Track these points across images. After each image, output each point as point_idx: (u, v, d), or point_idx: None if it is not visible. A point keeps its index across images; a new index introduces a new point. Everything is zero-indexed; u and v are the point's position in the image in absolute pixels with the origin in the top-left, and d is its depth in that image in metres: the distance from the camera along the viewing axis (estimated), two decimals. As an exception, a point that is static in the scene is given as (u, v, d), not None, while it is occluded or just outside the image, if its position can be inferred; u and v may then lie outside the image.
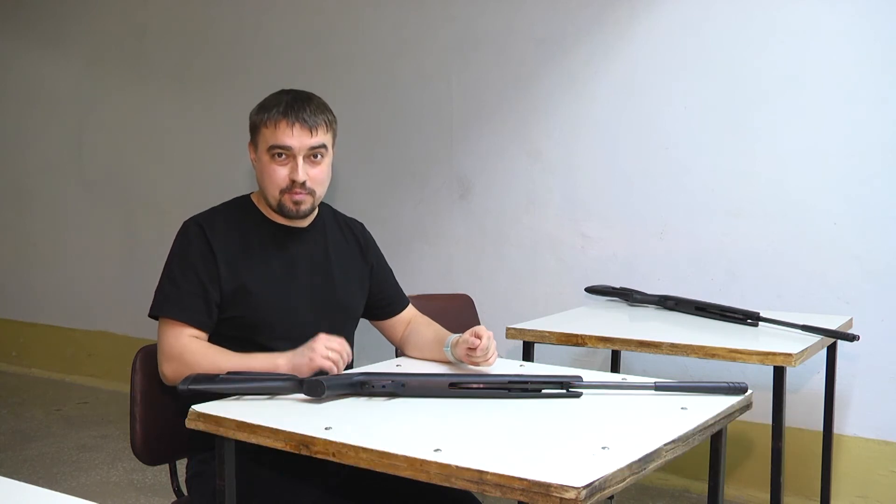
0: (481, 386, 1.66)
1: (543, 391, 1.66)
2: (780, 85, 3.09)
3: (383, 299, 2.10)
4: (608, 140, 3.44)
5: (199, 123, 4.64)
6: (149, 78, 4.83)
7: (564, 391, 1.66)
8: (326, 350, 1.71)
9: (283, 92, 1.92)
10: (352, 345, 2.04)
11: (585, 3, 3.46)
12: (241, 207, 1.95)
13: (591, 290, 3.00)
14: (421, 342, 2.04)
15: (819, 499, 2.79)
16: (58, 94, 5.24)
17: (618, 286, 2.97)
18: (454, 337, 1.90)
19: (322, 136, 1.87)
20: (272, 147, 1.85)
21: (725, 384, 1.65)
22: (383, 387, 1.64)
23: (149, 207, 4.86)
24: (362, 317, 2.11)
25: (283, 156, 1.85)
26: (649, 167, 3.35)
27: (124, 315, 4.92)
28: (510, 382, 1.65)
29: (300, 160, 1.85)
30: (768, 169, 3.12)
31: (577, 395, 1.66)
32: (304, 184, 1.85)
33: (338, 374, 1.69)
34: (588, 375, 1.75)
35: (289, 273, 1.90)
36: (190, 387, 1.62)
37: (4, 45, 5.49)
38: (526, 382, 1.66)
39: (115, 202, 5.02)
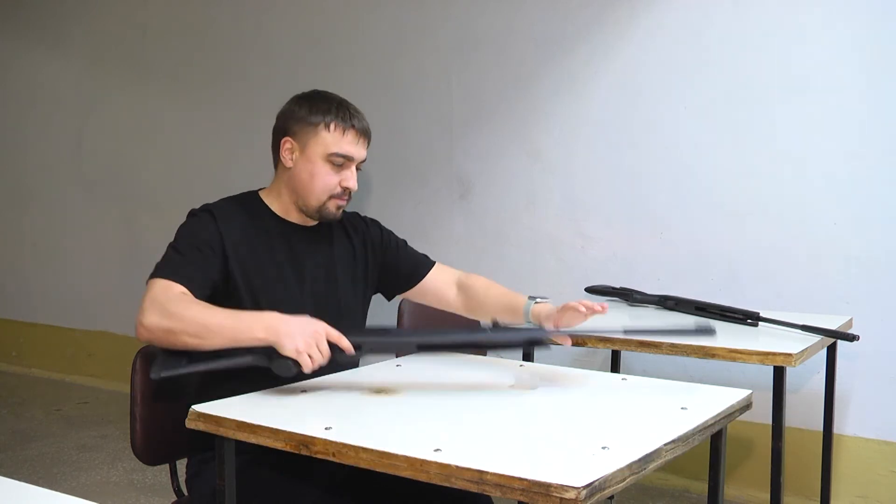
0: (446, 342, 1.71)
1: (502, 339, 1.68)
2: (780, 85, 3.09)
3: (402, 268, 2.08)
4: (608, 140, 3.44)
5: (199, 123, 4.64)
6: (149, 78, 4.83)
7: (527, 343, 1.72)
8: (317, 351, 1.61)
9: (325, 94, 1.92)
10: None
11: (585, 3, 3.46)
12: (251, 203, 1.94)
13: (591, 290, 3.00)
14: (488, 303, 2.01)
15: (819, 499, 2.79)
16: (58, 94, 5.24)
17: (618, 286, 2.97)
18: (534, 304, 1.90)
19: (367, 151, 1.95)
20: (336, 154, 1.86)
21: (693, 328, 1.70)
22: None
23: (149, 207, 4.86)
24: (399, 294, 2.11)
25: (342, 164, 1.87)
26: (649, 167, 3.35)
27: (124, 315, 4.90)
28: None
29: (353, 169, 1.89)
30: (768, 169, 3.12)
31: (544, 344, 1.69)
32: (350, 192, 1.90)
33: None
34: (587, 375, 1.75)
35: (295, 272, 1.90)
36: (161, 374, 1.60)
37: (4, 45, 5.49)
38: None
39: (115, 202, 5.02)
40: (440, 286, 2.09)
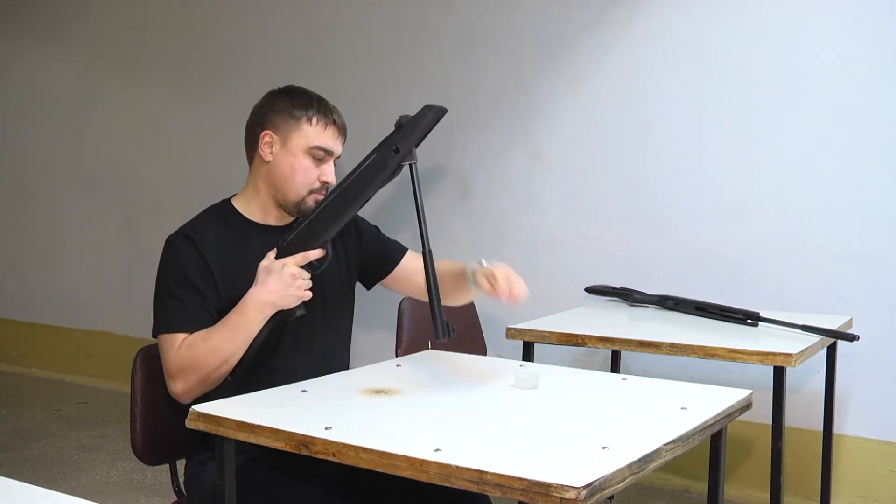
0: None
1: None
2: (781, 85, 3.09)
3: (380, 254, 2.07)
4: (608, 140, 3.44)
5: (199, 122, 4.64)
6: (149, 77, 4.83)
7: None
8: (302, 282, 1.73)
9: (303, 90, 1.93)
10: (349, 334, 2.04)
11: (585, 3, 3.46)
12: (224, 214, 1.92)
13: (591, 290, 3.00)
14: (441, 276, 1.94)
15: (819, 499, 2.79)
16: (58, 94, 5.24)
17: (618, 286, 2.97)
18: (473, 267, 1.86)
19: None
20: (317, 147, 1.86)
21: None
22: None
23: (149, 207, 4.86)
24: (377, 283, 2.09)
25: (322, 158, 1.87)
26: (649, 167, 3.35)
27: (124, 315, 4.91)
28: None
29: (332, 164, 1.90)
30: (768, 169, 3.12)
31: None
32: (328, 186, 1.90)
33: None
34: (587, 375, 1.74)
35: None
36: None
37: (4, 45, 5.49)
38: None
39: (115, 202, 5.02)
40: (416, 272, 2.02)
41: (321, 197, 1.89)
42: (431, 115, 1.68)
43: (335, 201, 1.72)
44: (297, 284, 1.72)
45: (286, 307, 1.74)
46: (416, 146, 1.71)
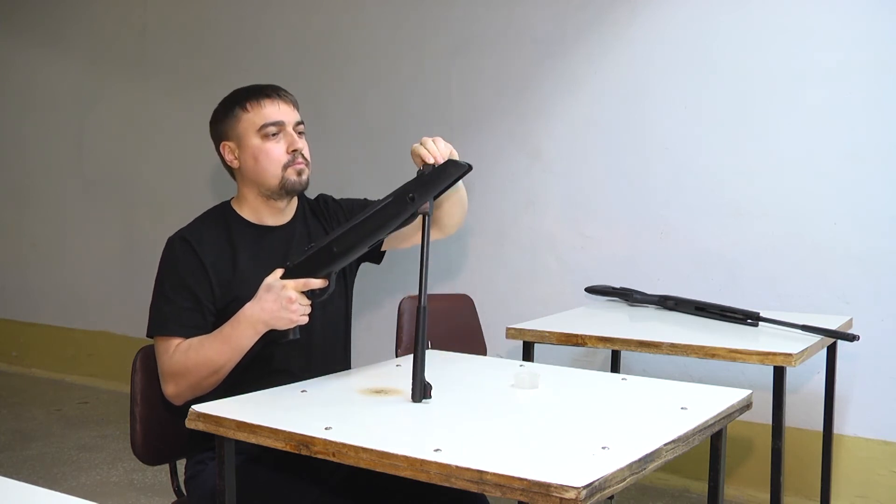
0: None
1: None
2: (781, 85, 3.09)
3: None
4: (608, 140, 3.44)
5: (199, 123, 4.61)
6: (149, 78, 4.83)
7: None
8: (299, 307, 1.66)
9: (235, 90, 1.94)
10: (349, 322, 2.04)
11: (585, 3, 3.46)
12: (223, 216, 1.94)
13: (591, 290, 3.00)
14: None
15: (819, 499, 2.79)
16: (58, 94, 5.24)
17: (618, 286, 2.97)
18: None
19: (300, 114, 1.93)
20: (264, 126, 1.86)
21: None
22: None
23: (149, 207, 4.86)
24: (382, 247, 2.05)
25: (276, 133, 1.87)
26: (649, 167, 3.35)
27: (124, 315, 4.91)
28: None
29: (292, 132, 1.89)
30: (768, 169, 3.12)
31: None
32: (302, 153, 1.88)
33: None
34: (587, 375, 1.74)
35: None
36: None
37: (4, 45, 5.49)
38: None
39: (115, 202, 5.02)
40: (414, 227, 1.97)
41: (301, 166, 1.89)
42: (454, 170, 1.66)
43: (347, 235, 1.66)
44: (292, 308, 1.66)
45: (279, 328, 1.70)
46: (435, 199, 1.67)
